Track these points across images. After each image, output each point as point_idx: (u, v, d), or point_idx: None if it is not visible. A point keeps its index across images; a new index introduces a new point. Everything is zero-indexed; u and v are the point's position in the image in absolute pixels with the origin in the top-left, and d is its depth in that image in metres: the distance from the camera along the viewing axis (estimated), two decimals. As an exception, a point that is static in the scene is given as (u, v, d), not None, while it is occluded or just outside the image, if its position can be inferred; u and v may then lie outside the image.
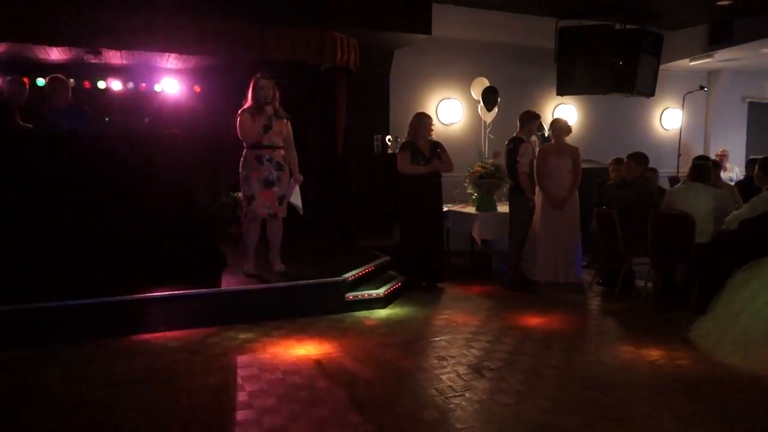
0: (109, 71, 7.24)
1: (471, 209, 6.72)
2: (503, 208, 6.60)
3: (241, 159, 5.13)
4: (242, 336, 4.46)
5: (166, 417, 3.14)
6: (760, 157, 5.29)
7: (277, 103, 5.12)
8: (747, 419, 3.16)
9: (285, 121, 5.18)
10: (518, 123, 6.15)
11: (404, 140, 6.09)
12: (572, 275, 6.30)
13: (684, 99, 9.43)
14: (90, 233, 4.76)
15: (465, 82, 8.11)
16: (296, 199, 5.31)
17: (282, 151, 5.17)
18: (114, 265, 4.72)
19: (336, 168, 7.05)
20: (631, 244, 5.65)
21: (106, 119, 7.08)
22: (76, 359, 3.94)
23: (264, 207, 5.10)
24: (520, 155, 5.90)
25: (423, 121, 6.03)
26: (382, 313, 5.16)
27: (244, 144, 5.08)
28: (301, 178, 5.36)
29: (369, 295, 5.29)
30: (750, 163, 6.68)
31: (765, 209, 4.89)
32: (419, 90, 8.15)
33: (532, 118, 6.18)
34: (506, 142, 6.22)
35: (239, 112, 5.05)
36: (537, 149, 6.39)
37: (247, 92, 5.07)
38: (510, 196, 6.18)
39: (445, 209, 6.92)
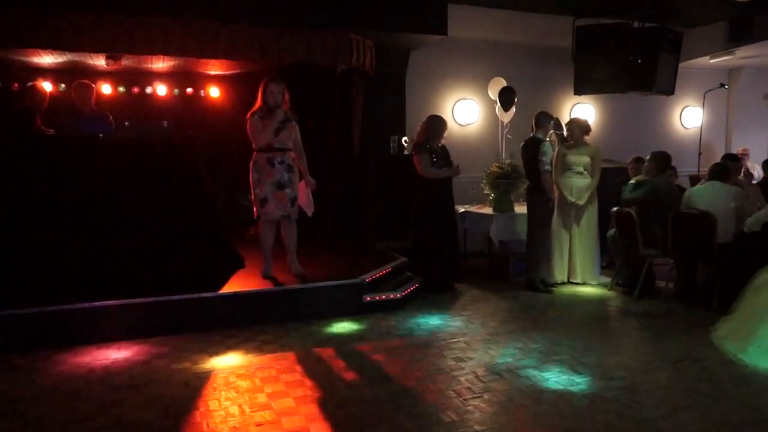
0: (130, 76, 7.35)
1: (488, 210, 6.69)
2: (520, 208, 6.57)
3: (252, 162, 5.13)
4: (260, 337, 4.48)
5: (185, 418, 3.16)
6: None
7: (286, 106, 5.13)
8: (772, 422, 3.11)
9: (294, 123, 5.19)
10: (533, 124, 6.12)
11: (417, 142, 6.03)
12: (591, 276, 6.26)
13: (704, 97, 9.29)
14: (109, 236, 4.83)
15: (482, 82, 8.08)
16: (306, 201, 5.30)
17: (292, 153, 5.18)
18: (134, 267, 4.78)
19: (352, 169, 7.06)
20: (650, 243, 5.59)
21: (126, 123, 7.18)
22: (96, 361, 4.00)
23: (278, 209, 5.12)
24: (541, 154, 5.87)
25: (442, 124, 6.03)
26: (400, 314, 5.16)
27: (254, 147, 5.10)
28: (314, 182, 5.36)
29: (386, 296, 5.29)
30: (765, 164, 6.57)
31: (788, 208, 4.81)
32: (435, 91, 8.14)
33: (547, 119, 6.15)
34: (522, 143, 6.19)
35: (248, 115, 5.06)
36: (556, 148, 6.36)
37: (257, 95, 5.08)
38: (528, 196, 6.14)
39: (461, 210, 6.92)
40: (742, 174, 6.66)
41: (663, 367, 3.89)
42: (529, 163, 6.02)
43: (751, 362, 3.91)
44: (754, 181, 7.45)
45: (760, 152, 9.99)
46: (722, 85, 9.29)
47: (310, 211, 5.36)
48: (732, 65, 9.81)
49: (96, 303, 4.40)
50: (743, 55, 8.92)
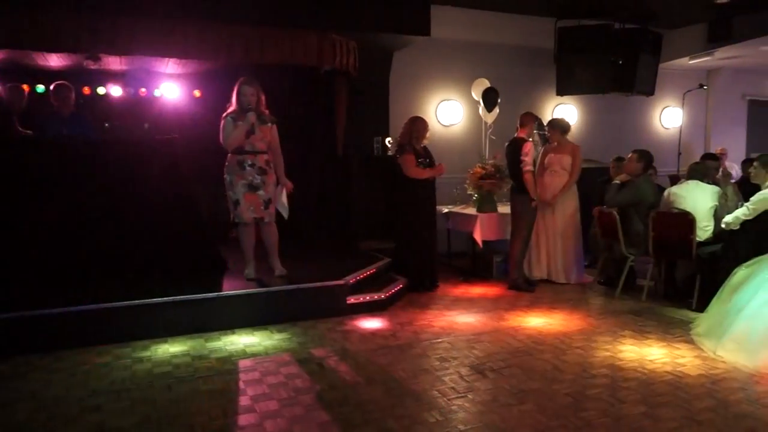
0: (108, 77, 7.26)
1: (472, 210, 6.72)
2: (504, 208, 6.61)
3: (225, 164, 5.09)
4: (244, 340, 4.46)
5: (167, 423, 3.14)
6: (757, 155, 5.29)
7: (262, 108, 5.08)
8: (749, 417, 3.15)
9: (270, 126, 5.13)
10: (518, 124, 6.17)
11: (401, 143, 6.06)
12: (574, 275, 6.32)
13: (684, 97, 9.43)
14: (90, 238, 4.78)
15: (465, 83, 8.12)
16: (281, 203, 5.26)
17: (265, 156, 5.11)
18: (114, 270, 4.73)
19: (336, 170, 7.06)
20: (632, 243, 5.66)
21: (106, 125, 7.09)
22: (78, 366, 3.95)
23: (250, 211, 5.06)
24: (524, 154, 5.91)
25: (424, 125, 6.07)
26: (384, 315, 5.16)
27: (227, 149, 5.06)
28: (289, 184, 5.30)
29: (370, 297, 5.29)
30: (744, 163, 6.68)
31: (765, 208, 4.87)
32: (419, 91, 8.15)
33: (531, 119, 6.20)
34: (506, 143, 6.23)
35: (222, 116, 5.01)
36: (540, 149, 6.43)
37: (231, 97, 5.04)
38: (512, 196, 6.19)
39: (445, 210, 6.95)
40: (720, 173, 6.75)
41: (644, 365, 3.93)
42: (512, 164, 6.07)
43: (728, 358, 3.97)
44: (733, 180, 7.57)
45: (738, 152, 10.17)
46: (701, 86, 9.43)
47: (285, 214, 5.31)
48: (711, 66, 9.95)
49: (75, 307, 4.33)
50: (722, 56, 9.06)
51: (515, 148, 6.01)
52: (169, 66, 6.98)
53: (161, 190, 5.09)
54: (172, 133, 6.92)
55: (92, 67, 6.56)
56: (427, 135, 6.08)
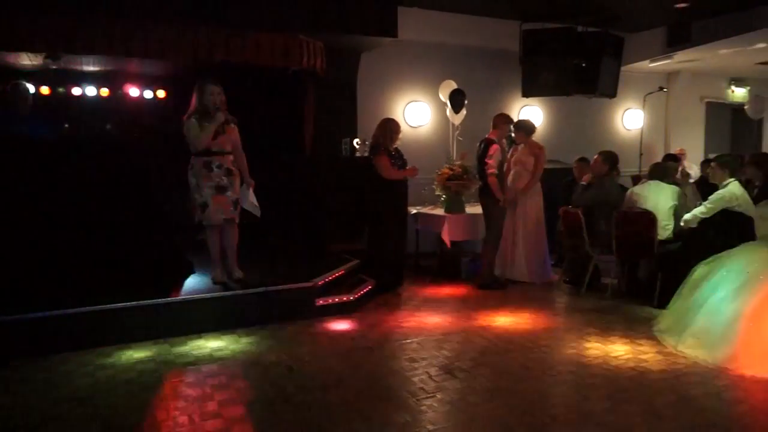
0: (69, 77, 7.09)
1: (440, 211, 6.76)
2: (471, 209, 6.68)
3: (189, 167, 4.98)
4: (211, 344, 4.40)
5: (133, 431, 3.08)
6: (714, 156, 5.47)
7: (224, 108, 5.00)
8: (708, 411, 3.24)
9: (233, 126, 5.08)
10: (491, 124, 6.24)
11: (374, 144, 6.08)
12: (539, 275, 6.41)
13: (645, 100, 9.66)
14: (50, 242, 4.64)
15: (432, 84, 8.16)
16: (250, 203, 5.20)
17: (231, 157, 5.05)
18: (76, 275, 4.61)
19: (304, 171, 7.02)
20: (596, 242, 5.78)
21: (66, 125, 6.91)
22: (38, 374, 3.84)
23: (219, 213, 4.99)
24: (488, 156, 5.98)
25: (396, 127, 6.12)
26: (353, 317, 5.15)
27: (191, 151, 4.97)
28: (252, 182, 5.22)
29: (339, 299, 5.28)
30: (703, 164, 6.89)
31: (723, 206, 5.04)
32: (387, 93, 8.17)
33: (505, 121, 6.29)
34: (478, 143, 6.30)
35: (184, 118, 4.91)
36: (509, 151, 6.52)
37: (192, 97, 4.93)
38: (480, 197, 6.25)
39: (414, 211, 6.98)
40: (679, 174, 6.95)
41: (608, 362, 4.01)
42: (480, 164, 6.14)
43: (689, 354, 4.09)
44: (692, 181, 7.80)
45: (697, 152, 10.46)
46: (661, 89, 9.67)
47: (257, 213, 5.26)
48: (670, 69, 10.22)
49: (34, 314, 4.21)
50: (681, 59, 9.31)
51: (484, 148, 6.08)
52: (133, 66, 6.85)
53: (124, 192, 4.98)
54: (135, 133, 6.80)
55: (52, 67, 6.40)
56: (399, 136, 6.12)
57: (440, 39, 8.22)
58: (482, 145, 6.15)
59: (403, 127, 7.95)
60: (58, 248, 4.65)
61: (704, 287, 4.31)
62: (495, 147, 6.06)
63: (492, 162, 5.99)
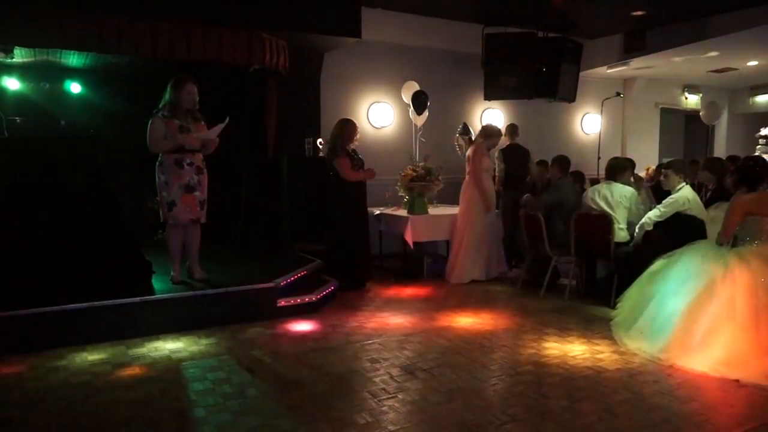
0: (20, 70, 6.85)
1: (403, 212, 6.79)
2: (434, 210, 6.73)
3: (158, 163, 4.91)
4: (169, 346, 4.31)
5: (87, 434, 2.99)
6: (668, 161, 5.64)
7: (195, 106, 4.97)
8: (661, 408, 3.34)
9: (202, 123, 5.03)
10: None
11: (333, 145, 6.09)
12: (494, 269, 6.64)
13: (602, 105, 9.90)
14: (2, 242, 4.47)
15: (395, 85, 8.19)
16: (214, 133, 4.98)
17: (201, 155, 5.02)
18: (31, 275, 4.44)
19: (267, 171, 6.94)
20: (555, 244, 5.89)
21: (17, 120, 6.67)
22: (-14, 377, 3.69)
23: (186, 212, 4.93)
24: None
25: (354, 127, 6.14)
26: (315, 317, 5.12)
27: (156, 150, 4.86)
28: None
29: (301, 300, 5.24)
30: (656, 169, 7.10)
31: (675, 210, 5.23)
32: (350, 93, 8.16)
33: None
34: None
35: (157, 115, 4.82)
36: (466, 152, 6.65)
37: (169, 93, 4.85)
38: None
39: (377, 212, 6.98)
40: (632, 178, 7.14)
41: (566, 361, 4.09)
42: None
43: (631, 346, 4.23)
44: (647, 185, 8.01)
45: (651, 157, 10.79)
46: (618, 94, 9.94)
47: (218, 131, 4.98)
48: (627, 75, 10.51)
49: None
50: (637, 66, 9.59)
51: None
52: (88, 60, 6.66)
53: (80, 189, 4.82)
54: (91, 129, 6.61)
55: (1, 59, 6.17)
56: (357, 137, 6.15)
57: (404, 40, 8.26)
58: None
59: (367, 127, 8.01)
60: (5, 248, 4.48)
61: (656, 282, 4.44)
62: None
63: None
